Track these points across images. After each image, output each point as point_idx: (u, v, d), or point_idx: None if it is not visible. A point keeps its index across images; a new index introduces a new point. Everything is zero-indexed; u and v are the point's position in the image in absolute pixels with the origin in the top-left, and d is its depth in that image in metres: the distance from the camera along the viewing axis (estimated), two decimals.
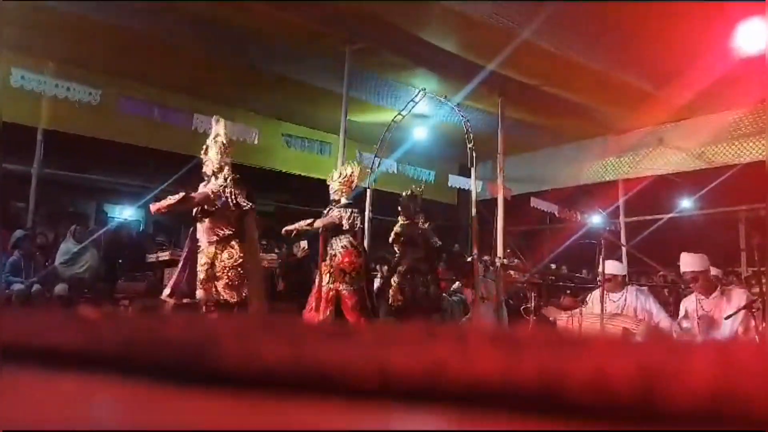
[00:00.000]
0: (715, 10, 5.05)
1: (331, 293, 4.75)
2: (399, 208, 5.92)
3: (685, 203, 9.96)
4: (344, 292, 4.74)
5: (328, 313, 4.67)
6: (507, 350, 0.26)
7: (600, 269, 4.50)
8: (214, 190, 4.08)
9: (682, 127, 8.34)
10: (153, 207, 3.98)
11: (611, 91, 7.22)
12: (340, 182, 5.03)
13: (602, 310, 4.25)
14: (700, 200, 9.50)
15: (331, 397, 0.29)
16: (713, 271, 4.30)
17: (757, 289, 4.43)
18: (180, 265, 4.31)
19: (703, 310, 4.06)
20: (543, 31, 5.81)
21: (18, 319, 0.51)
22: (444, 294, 7.44)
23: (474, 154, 6.55)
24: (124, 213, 9.65)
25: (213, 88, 8.04)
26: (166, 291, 4.22)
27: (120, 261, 7.00)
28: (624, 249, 8.10)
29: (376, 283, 6.02)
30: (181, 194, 3.88)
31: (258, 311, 3.90)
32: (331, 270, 4.78)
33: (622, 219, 9.78)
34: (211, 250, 4.03)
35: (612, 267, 4.51)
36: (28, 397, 0.35)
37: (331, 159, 8.53)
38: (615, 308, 4.41)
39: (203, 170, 4.28)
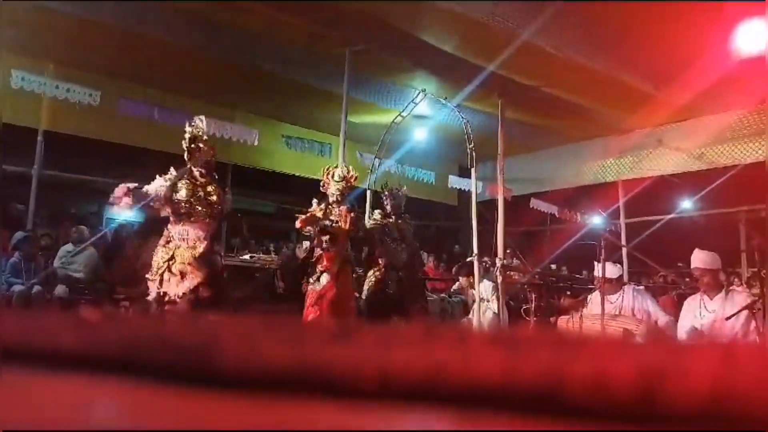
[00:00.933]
0: (715, 11, 5.05)
1: (329, 292, 4.73)
2: (390, 202, 5.79)
3: (686, 204, 9.95)
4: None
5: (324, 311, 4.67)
6: (507, 351, 0.26)
7: (598, 271, 4.50)
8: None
9: (682, 128, 8.34)
10: None
11: (611, 92, 7.23)
12: (343, 184, 5.01)
13: (603, 311, 4.25)
14: (700, 201, 9.49)
15: (332, 398, 0.29)
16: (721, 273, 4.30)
17: (757, 290, 4.42)
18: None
19: (707, 310, 4.05)
20: (543, 32, 5.82)
21: (18, 320, 0.51)
22: (444, 295, 7.43)
23: (474, 155, 6.55)
24: (125, 214, 9.64)
25: (213, 90, 8.05)
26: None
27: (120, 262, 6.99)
28: (624, 250, 8.10)
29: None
30: None
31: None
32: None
33: (622, 220, 9.78)
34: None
35: (607, 270, 4.51)
36: (30, 398, 0.35)
37: (331, 160, 8.53)
38: (613, 309, 4.42)
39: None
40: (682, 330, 4.08)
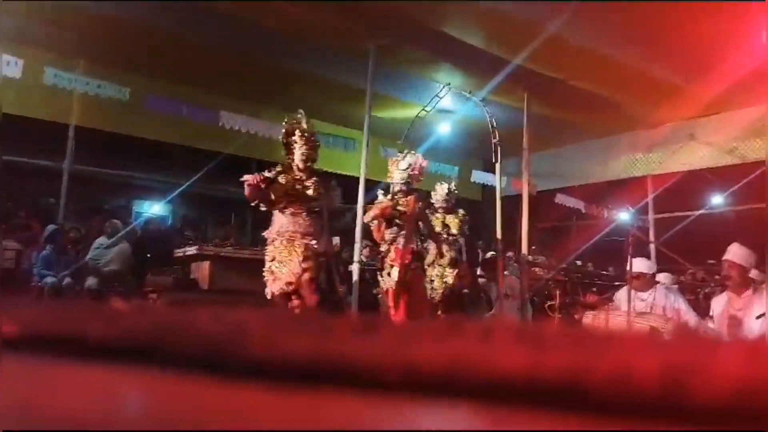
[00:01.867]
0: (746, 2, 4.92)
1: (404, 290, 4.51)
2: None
3: (717, 200, 9.72)
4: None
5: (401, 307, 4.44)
6: (531, 346, 0.26)
7: (628, 266, 4.43)
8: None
9: (713, 121, 8.14)
10: None
11: (640, 85, 7.08)
12: (409, 173, 4.82)
13: (629, 307, 4.18)
14: (731, 196, 9.26)
15: (356, 391, 0.29)
16: (753, 273, 4.17)
17: None
18: None
19: (734, 309, 3.96)
20: (569, 25, 5.73)
21: (50, 311, 0.53)
22: (466, 290, 7.40)
23: (499, 150, 6.49)
24: (153, 208, 9.83)
25: (239, 86, 8.13)
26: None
27: (149, 255, 7.14)
28: (653, 246, 7.96)
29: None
30: None
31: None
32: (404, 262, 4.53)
33: (651, 216, 9.60)
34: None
35: (641, 265, 4.43)
36: (60, 387, 0.36)
37: (356, 155, 8.54)
38: (644, 307, 4.34)
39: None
40: (721, 328, 3.99)
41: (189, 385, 0.35)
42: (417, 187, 5.13)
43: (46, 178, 8.05)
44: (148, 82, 7.84)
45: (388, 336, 0.31)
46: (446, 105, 7.84)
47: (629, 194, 9.74)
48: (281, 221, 4.00)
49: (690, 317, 4.26)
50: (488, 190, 10.30)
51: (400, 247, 4.58)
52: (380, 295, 4.80)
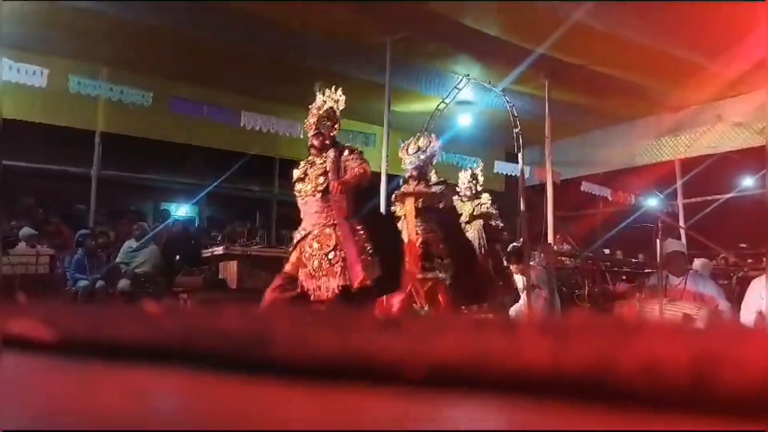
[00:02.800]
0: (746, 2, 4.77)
1: (427, 284, 4.24)
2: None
3: (747, 182, 9.48)
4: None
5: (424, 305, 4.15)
6: (556, 338, 0.26)
7: (658, 252, 4.35)
8: None
9: (741, 101, 7.93)
10: None
11: (664, 67, 6.93)
12: (419, 156, 4.53)
13: (660, 294, 4.11)
14: (762, 179, 9.02)
15: (381, 386, 0.30)
16: None
17: None
18: None
19: None
20: (589, 9, 5.63)
21: (83, 314, 0.54)
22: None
23: (521, 139, 6.43)
24: (180, 210, 9.99)
25: (259, 85, 8.18)
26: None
27: (178, 256, 7.26)
28: (683, 231, 7.80)
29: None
30: None
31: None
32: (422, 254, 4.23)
33: (680, 200, 9.41)
34: None
35: (675, 244, 4.33)
36: (95, 389, 0.37)
37: (375, 150, 8.54)
38: (676, 293, 4.27)
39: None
40: (746, 312, 3.89)
41: (220, 384, 0.36)
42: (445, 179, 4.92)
43: (75, 184, 8.24)
44: (170, 85, 7.95)
45: (412, 331, 0.31)
46: (466, 96, 7.79)
47: (657, 179, 9.56)
48: (303, 209, 3.71)
49: (721, 302, 4.17)
50: (511, 180, 10.20)
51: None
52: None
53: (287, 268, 3.69)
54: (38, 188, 8.32)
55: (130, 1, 6.06)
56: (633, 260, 8.47)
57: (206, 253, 6.56)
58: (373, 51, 6.87)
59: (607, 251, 8.98)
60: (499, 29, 6.51)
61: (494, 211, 5.89)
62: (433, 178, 5.04)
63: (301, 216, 3.74)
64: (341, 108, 3.90)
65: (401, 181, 4.98)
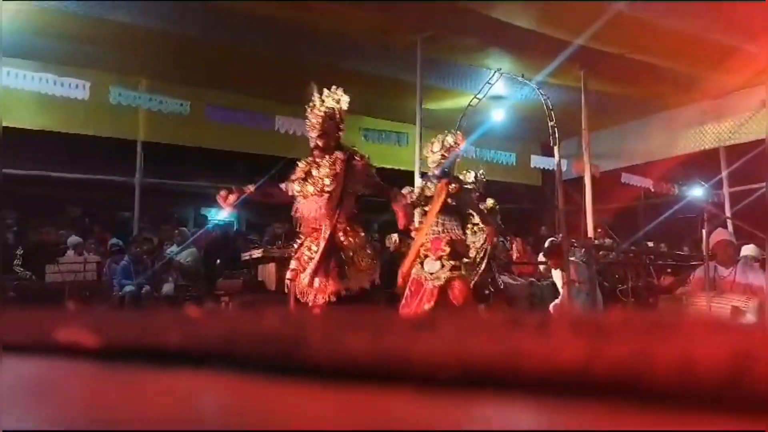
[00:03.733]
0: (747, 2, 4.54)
1: (453, 281, 4.18)
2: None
3: None
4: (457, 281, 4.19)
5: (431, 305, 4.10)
6: (591, 337, 0.26)
7: (704, 244, 4.22)
8: None
9: None
10: None
11: (704, 53, 6.70)
12: (442, 153, 4.48)
13: (707, 286, 3.99)
14: None
15: (414, 387, 0.30)
16: None
17: None
18: None
19: None
20: None
21: (128, 319, 0.56)
22: (533, 279, 7.25)
23: (557, 132, 6.33)
24: (219, 215, 10.19)
25: (291, 89, 8.27)
26: None
27: (218, 260, 7.41)
28: (729, 222, 7.54)
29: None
30: None
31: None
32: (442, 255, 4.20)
33: (725, 189, 9.10)
34: None
35: (723, 234, 4.20)
36: (142, 393, 0.39)
37: (408, 149, 8.53)
38: (725, 285, 4.13)
39: None
40: None
41: (259, 386, 0.36)
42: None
43: (119, 193, 8.50)
44: (206, 94, 8.13)
45: (445, 331, 0.32)
46: (498, 91, 7.70)
47: (701, 168, 9.26)
48: (303, 209, 3.60)
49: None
50: (548, 174, 10.05)
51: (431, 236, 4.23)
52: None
53: (288, 275, 3.59)
54: (84, 198, 8.62)
55: (164, 13, 6.22)
56: (678, 252, 8.23)
57: (245, 256, 6.67)
58: (403, 50, 6.87)
59: (650, 244, 8.75)
60: (530, 21, 6.42)
61: (497, 215, 5.78)
62: (470, 176, 5.02)
63: (300, 216, 3.63)
64: (344, 108, 3.79)
65: (424, 179, 4.95)
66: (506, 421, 0.26)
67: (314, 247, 3.49)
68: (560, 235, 6.19)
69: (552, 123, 6.31)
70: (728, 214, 8.25)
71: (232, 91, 8.29)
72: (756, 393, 0.21)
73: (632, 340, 0.25)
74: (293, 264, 3.59)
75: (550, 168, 9.08)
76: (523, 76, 6.89)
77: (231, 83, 8.12)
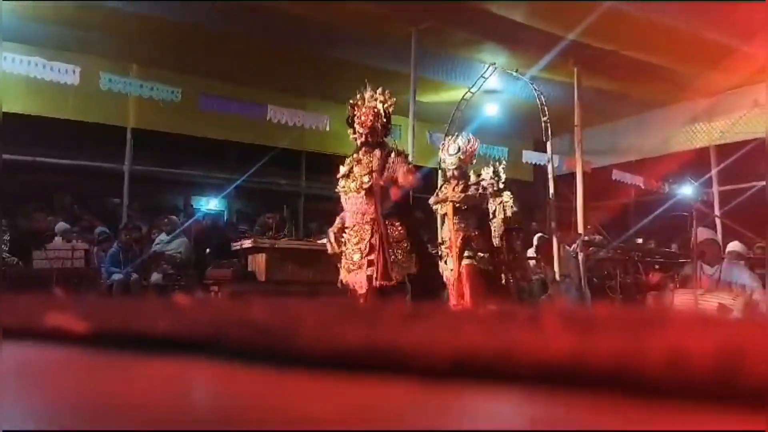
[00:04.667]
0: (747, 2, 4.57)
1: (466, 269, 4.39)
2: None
3: None
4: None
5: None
6: (582, 330, 0.26)
7: (692, 241, 4.26)
8: None
9: None
10: None
11: (697, 51, 6.73)
12: (459, 156, 4.61)
13: (695, 284, 4.03)
14: None
15: (406, 377, 0.30)
16: None
17: None
18: None
19: None
20: None
21: (118, 306, 0.56)
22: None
23: (549, 128, 6.34)
24: (210, 204, 10.15)
25: (285, 79, 8.23)
26: None
27: (208, 250, 7.37)
28: (718, 220, 7.62)
29: None
30: None
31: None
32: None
33: (715, 188, 9.17)
34: None
35: (708, 233, 4.24)
36: (131, 379, 0.39)
37: (401, 141, 8.51)
38: (711, 283, 4.18)
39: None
40: None
41: (248, 374, 0.36)
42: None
43: (108, 180, 8.43)
44: (198, 82, 8.06)
45: (438, 323, 0.32)
46: (492, 85, 7.70)
47: (691, 167, 9.32)
48: (346, 205, 3.76)
49: (756, 290, 4.07)
50: (540, 170, 10.07)
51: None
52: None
53: (342, 276, 3.73)
54: (73, 184, 8.55)
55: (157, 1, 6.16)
56: (666, 250, 8.29)
57: (235, 246, 6.65)
58: (398, 41, 6.84)
59: (639, 241, 8.81)
60: (525, 15, 6.41)
61: (515, 209, 5.84)
62: (488, 172, 5.13)
63: (344, 212, 3.79)
64: (391, 109, 3.96)
65: (441, 180, 5.04)
66: (497, 412, 0.27)
67: (354, 240, 3.64)
68: (550, 230, 6.22)
69: (545, 118, 6.32)
70: (717, 212, 8.33)
71: (224, 79, 8.23)
72: (744, 386, 0.21)
73: (622, 334, 0.25)
74: (343, 261, 3.74)
75: (542, 163, 9.10)
76: (517, 71, 6.89)
77: (222, 72, 8.06)
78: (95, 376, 0.39)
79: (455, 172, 4.61)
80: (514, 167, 10.60)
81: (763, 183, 8.73)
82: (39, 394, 0.36)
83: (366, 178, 3.65)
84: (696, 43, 6.51)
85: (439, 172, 5.83)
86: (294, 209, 9.64)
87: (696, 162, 9.15)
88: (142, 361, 0.41)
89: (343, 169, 3.82)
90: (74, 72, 6.80)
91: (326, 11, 6.34)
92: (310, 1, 5.96)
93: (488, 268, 4.50)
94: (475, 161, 4.91)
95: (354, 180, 3.70)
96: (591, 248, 7.12)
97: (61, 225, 6.61)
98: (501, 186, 5.62)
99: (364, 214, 3.64)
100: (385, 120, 3.90)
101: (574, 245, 6.68)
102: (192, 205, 9.85)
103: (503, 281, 4.92)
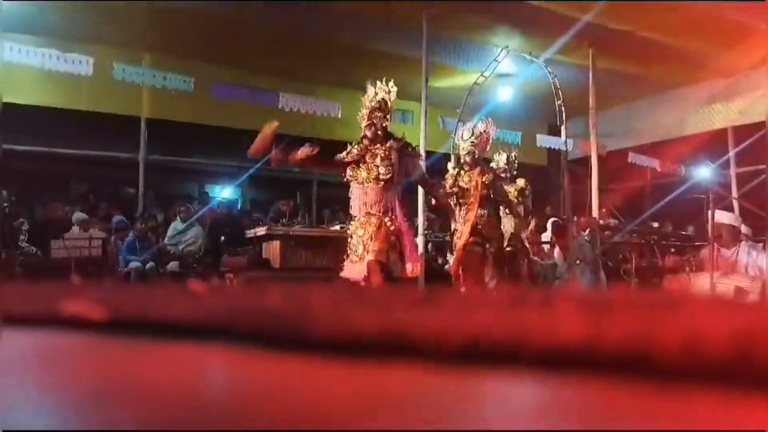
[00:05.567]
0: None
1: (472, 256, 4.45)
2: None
3: None
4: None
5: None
6: (594, 314, 0.26)
7: (709, 224, 4.21)
8: None
9: None
10: None
11: (714, 30, 6.59)
12: (472, 141, 4.62)
13: (712, 267, 3.99)
14: None
15: (417, 361, 0.30)
16: None
17: None
18: None
19: None
20: None
21: (135, 293, 0.56)
22: (536, 258, 7.25)
23: (563, 111, 6.27)
24: (224, 192, 10.20)
25: (295, 66, 8.21)
26: None
27: (223, 237, 7.43)
28: (735, 202, 7.51)
29: None
30: None
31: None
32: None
33: (732, 170, 9.03)
34: None
35: (725, 217, 4.19)
36: (147, 365, 0.39)
37: (413, 127, 8.47)
38: (727, 266, 4.13)
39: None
40: None
41: (263, 360, 0.37)
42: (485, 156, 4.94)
43: (124, 170, 8.51)
44: (211, 70, 8.06)
45: (449, 307, 0.32)
46: (505, 69, 7.61)
47: (708, 149, 9.18)
48: (356, 194, 3.82)
49: None
50: (554, 153, 9.98)
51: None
52: (448, 268, 4.79)
53: (345, 268, 3.81)
54: (89, 174, 8.63)
55: None
56: (683, 233, 8.20)
57: (250, 233, 6.69)
58: (409, 26, 6.78)
59: (655, 224, 8.72)
60: None
61: (529, 195, 5.85)
62: (502, 158, 5.14)
63: (354, 201, 3.85)
64: (393, 99, 4.01)
65: (453, 165, 5.03)
66: (510, 395, 0.27)
67: (361, 231, 3.71)
68: (564, 214, 6.18)
69: (559, 102, 6.25)
70: (735, 194, 8.20)
71: (236, 67, 8.23)
72: (760, 370, 0.21)
73: (637, 317, 0.25)
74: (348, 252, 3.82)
75: (556, 147, 9.02)
76: (530, 54, 6.81)
77: (235, 59, 8.06)
78: (112, 361, 0.40)
79: (467, 158, 4.59)
80: (528, 152, 10.53)
81: None
82: (58, 379, 0.36)
83: (383, 169, 3.72)
84: (713, 21, 6.37)
85: (452, 156, 5.81)
86: (307, 196, 9.67)
87: (713, 143, 9.01)
88: (158, 347, 0.41)
89: (350, 156, 3.84)
90: (88, 63, 6.83)
91: None
92: None
93: (502, 252, 4.56)
94: (489, 147, 4.90)
95: (368, 170, 3.73)
96: (606, 232, 7.07)
97: (78, 215, 6.69)
98: (513, 173, 5.63)
99: (373, 204, 3.70)
100: (386, 110, 4.03)
101: (587, 230, 6.64)
102: (207, 194, 9.91)
103: (518, 265, 4.94)
